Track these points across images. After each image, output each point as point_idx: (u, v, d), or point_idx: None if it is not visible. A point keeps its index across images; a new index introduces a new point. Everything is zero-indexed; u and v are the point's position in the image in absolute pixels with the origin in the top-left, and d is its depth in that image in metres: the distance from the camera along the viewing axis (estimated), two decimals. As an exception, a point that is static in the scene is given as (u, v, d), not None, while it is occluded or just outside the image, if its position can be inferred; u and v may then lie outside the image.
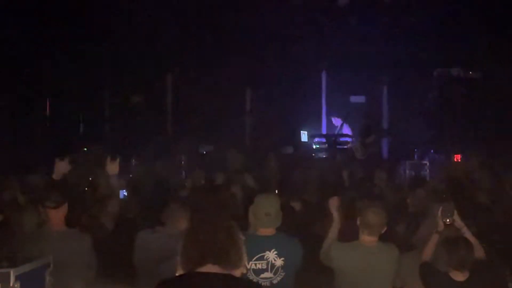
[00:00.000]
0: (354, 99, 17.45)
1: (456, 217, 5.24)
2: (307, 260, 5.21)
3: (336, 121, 16.01)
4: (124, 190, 9.06)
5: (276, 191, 7.73)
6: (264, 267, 4.97)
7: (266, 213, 5.08)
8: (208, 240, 2.88)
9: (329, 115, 16.80)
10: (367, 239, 5.21)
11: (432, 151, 16.04)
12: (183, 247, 2.91)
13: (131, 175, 12.22)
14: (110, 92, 17.43)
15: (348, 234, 5.54)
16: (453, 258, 4.85)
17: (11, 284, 4.03)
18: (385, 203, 7.16)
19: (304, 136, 16.57)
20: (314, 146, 16.51)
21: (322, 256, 5.40)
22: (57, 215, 5.33)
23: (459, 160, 14.16)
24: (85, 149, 15.85)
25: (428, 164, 15.75)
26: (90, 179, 12.15)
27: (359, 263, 5.18)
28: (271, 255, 4.98)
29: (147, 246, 5.54)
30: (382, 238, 5.34)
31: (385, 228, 5.23)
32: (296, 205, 7.12)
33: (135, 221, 6.84)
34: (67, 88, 14.90)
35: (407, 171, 15.90)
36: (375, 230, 5.19)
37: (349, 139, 15.32)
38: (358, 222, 5.28)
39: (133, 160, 15.95)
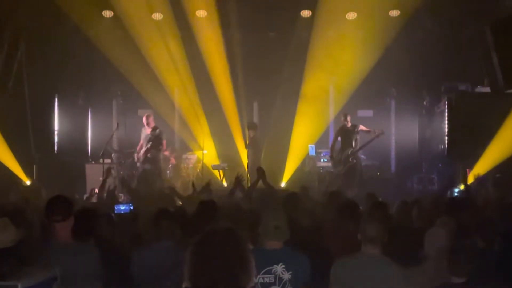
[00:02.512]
0: (362, 113, 17.45)
1: None
2: (315, 275, 5.18)
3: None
4: (131, 204, 9.07)
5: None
6: (272, 281, 4.95)
7: (275, 226, 5.07)
8: (218, 265, 2.84)
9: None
10: (370, 251, 5.18)
11: (440, 164, 16.00)
12: (191, 266, 2.86)
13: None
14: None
15: (350, 247, 5.52)
16: (453, 265, 4.86)
17: (18, 297, 4.03)
18: (390, 217, 7.15)
19: (311, 150, 16.56)
20: (321, 160, 16.50)
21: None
22: (63, 228, 5.32)
23: (468, 174, 14.12)
24: (93, 162, 15.96)
25: (436, 178, 15.72)
26: (96, 191, 12.25)
27: (361, 273, 5.13)
28: (279, 269, 4.96)
29: (146, 262, 5.52)
30: (386, 252, 5.31)
31: (386, 237, 5.20)
32: (304, 221, 7.08)
33: (141, 235, 6.82)
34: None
35: (415, 185, 15.88)
36: (376, 242, 5.16)
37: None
38: (359, 236, 5.25)
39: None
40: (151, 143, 14.84)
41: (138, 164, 15.18)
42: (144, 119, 15.19)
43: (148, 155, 14.88)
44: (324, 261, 5.42)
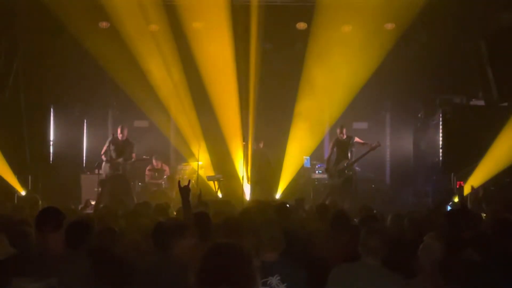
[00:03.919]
0: (357, 125, 17.50)
1: None
2: (310, 286, 5.18)
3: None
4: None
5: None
6: (268, 293, 4.95)
7: (271, 237, 5.09)
8: (223, 265, 2.99)
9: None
10: (371, 262, 5.19)
11: (434, 177, 16.04)
12: (200, 269, 3.00)
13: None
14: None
15: (343, 258, 5.53)
16: (447, 276, 4.90)
17: (15, 308, 4.03)
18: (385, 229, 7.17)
19: (306, 161, 16.58)
20: (316, 172, 16.52)
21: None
22: (55, 239, 5.33)
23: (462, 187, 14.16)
24: (88, 173, 15.97)
25: (430, 190, 15.74)
26: (92, 202, 12.23)
27: (361, 281, 5.13)
28: (274, 280, 4.95)
29: (152, 271, 5.51)
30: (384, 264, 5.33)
31: (386, 251, 5.22)
32: (298, 232, 7.10)
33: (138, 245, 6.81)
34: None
35: (410, 198, 15.90)
36: (378, 253, 5.17)
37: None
38: (359, 248, 5.26)
39: (139, 183, 16.05)
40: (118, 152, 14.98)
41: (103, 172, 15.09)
42: (118, 129, 15.23)
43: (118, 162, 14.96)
44: (319, 272, 5.43)
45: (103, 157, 15.05)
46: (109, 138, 15.15)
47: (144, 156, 15.40)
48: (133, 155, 15.15)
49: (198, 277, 2.99)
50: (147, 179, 16.27)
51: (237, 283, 2.95)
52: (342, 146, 14.93)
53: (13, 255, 4.07)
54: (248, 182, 15.19)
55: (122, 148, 14.95)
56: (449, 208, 11.25)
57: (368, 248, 5.19)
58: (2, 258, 4.03)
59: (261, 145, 16.47)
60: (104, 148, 15.10)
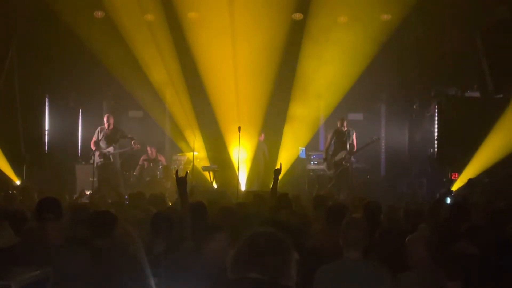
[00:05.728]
0: (352, 116, 17.50)
1: None
2: (303, 278, 5.17)
3: None
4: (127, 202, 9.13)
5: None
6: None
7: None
8: (257, 252, 3.10)
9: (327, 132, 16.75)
10: (352, 255, 5.17)
11: (429, 168, 16.06)
12: (234, 254, 3.12)
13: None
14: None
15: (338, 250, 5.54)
16: (447, 270, 4.91)
17: (11, 297, 4.03)
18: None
19: (302, 152, 16.59)
20: (311, 163, 16.52)
21: None
22: (55, 229, 5.32)
23: (456, 179, 14.19)
24: (83, 162, 15.96)
25: (425, 181, 15.77)
26: (87, 192, 12.21)
27: (345, 279, 5.10)
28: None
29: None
30: (374, 258, 5.33)
31: (366, 242, 5.21)
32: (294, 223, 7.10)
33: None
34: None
35: (404, 189, 15.92)
36: (359, 246, 5.16)
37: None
38: (340, 242, 5.24)
39: (134, 173, 16.04)
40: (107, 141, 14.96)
41: (94, 162, 14.98)
42: (105, 118, 15.18)
43: (107, 152, 14.91)
44: (313, 263, 5.43)
45: (93, 147, 14.98)
46: (98, 128, 15.08)
47: (133, 141, 15.25)
48: (128, 135, 15.14)
49: (232, 261, 3.10)
50: (138, 168, 16.22)
51: (268, 270, 3.05)
52: (341, 137, 14.91)
53: (16, 244, 4.09)
54: (236, 171, 15.11)
55: (110, 137, 14.91)
56: (449, 200, 11.22)
57: (348, 240, 5.17)
58: (6, 246, 4.05)
59: (261, 138, 16.50)
60: (94, 138, 15.04)
